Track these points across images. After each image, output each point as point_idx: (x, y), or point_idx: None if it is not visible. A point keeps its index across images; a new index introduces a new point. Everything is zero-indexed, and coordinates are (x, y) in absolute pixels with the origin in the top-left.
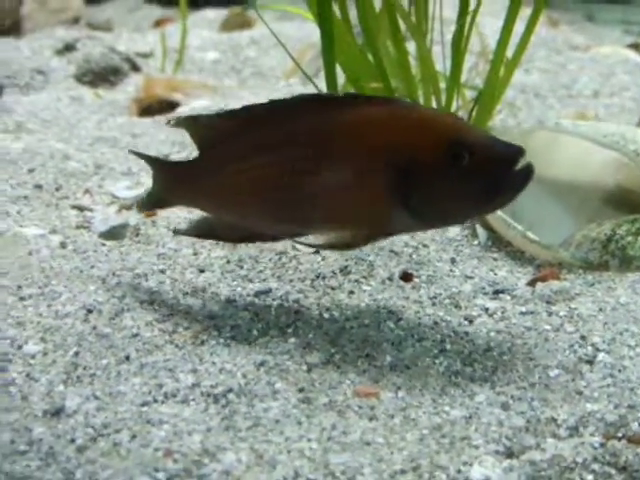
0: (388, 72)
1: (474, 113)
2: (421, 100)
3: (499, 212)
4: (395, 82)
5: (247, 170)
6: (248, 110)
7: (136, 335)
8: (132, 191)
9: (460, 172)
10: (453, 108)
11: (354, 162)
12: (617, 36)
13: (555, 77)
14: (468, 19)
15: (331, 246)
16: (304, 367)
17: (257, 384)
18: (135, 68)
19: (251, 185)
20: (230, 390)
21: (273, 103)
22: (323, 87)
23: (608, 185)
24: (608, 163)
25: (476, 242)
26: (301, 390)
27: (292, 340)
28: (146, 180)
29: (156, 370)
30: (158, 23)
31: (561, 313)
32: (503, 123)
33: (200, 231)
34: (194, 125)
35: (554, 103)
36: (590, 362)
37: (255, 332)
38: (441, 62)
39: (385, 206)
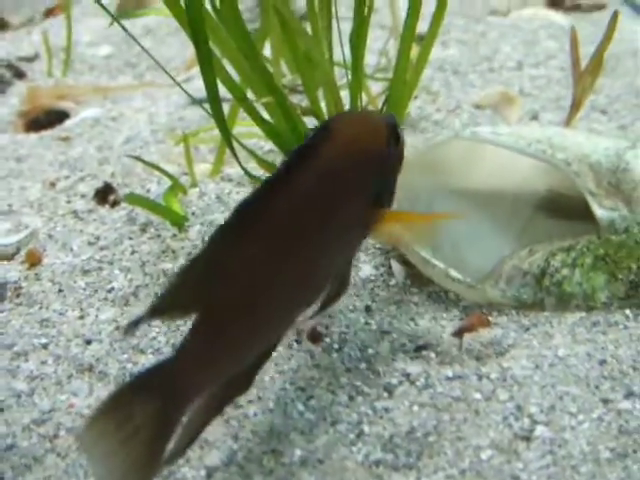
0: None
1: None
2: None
3: (416, 247)
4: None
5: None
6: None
7: (11, 447)
8: (13, 236)
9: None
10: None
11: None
12: None
13: (475, 49)
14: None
15: (329, 302)
16: (202, 472)
17: None
18: (19, 75)
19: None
20: None
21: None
22: None
23: (539, 190)
24: (537, 167)
25: (393, 281)
26: None
27: None
28: (32, 220)
29: None
30: (49, 12)
31: (492, 375)
32: (421, 112)
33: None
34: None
35: (475, 80)
36: (527, 438)
37: None
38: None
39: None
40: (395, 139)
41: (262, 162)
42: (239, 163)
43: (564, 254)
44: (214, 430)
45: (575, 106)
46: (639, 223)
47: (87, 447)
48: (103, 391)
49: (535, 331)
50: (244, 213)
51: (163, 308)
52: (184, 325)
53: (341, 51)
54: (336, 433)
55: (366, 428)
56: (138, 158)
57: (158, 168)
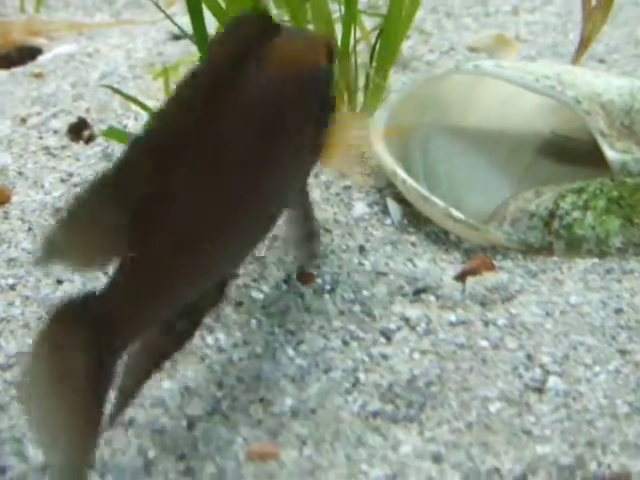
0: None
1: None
2: None
3: (413, 183)
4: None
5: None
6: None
7: None
8: None
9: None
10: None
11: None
12: None
13: None
14: None
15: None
16: (184, 423)
17: (125, 454)
18: None
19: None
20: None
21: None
22: None
23: (542, 131)
24: (541, 105)
25: (388, 221)
26: (181, 457)
27: (166, 383)
28: (1, 155)
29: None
30: None
31: (500, 322)
32: (413, 52)
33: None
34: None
35: (469, 23)
36: (539, 390)
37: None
38: None
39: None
40: (331, 59)
41: None
42: None
43: (574, 196)
44: (195, 376)
45: (584, 43)
46: None
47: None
48: None
49: (543, 277)
50: (171, 125)
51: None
52: None
53: None
54: (329, 381)
55: (362, 376)
56: (116, 89)
57: (137, 102)
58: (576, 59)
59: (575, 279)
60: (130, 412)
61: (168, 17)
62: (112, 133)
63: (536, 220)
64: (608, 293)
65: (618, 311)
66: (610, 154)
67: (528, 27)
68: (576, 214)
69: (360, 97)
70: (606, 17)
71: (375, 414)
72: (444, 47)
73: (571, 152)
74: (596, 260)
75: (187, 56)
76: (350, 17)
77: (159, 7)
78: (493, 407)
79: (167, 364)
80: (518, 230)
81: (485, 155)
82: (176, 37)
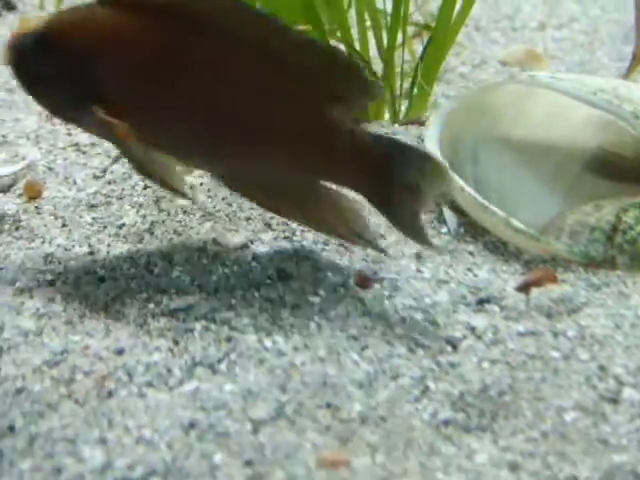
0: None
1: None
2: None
3: (471, 191)
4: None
5: None
6: None
7: (21, 391)
8: (9, 167)
9: None
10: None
11: None
12: None
13: (496, 6)
14: None
15: None
16: (248, 426)
17: (188, 458)
18: (9, 7)
19: None
20: (153, 472)
21: None
22: None
23: (589, 146)
24: (589, 120)
25: (444, 230)
26: (248, 463)
27: (228, 385)
28: (29, 152)
29: (51, 444)
30: None
31: (569, 333)
32: (445, 64)
33: None
34: None
35: (498, 37)
36: (614, 400)
37: (177, 372)
38: None
39: None
40: None
41: None
42: None
43: (637, 210)
44: (256, 380)
45: (637, 59)
46: None
47: None
48: (124, 335)
49: (608, 290)
50: None
51: None
52: (210, 262)
53: None
54: (398, 388)
55: (431, 384)
56: None
57: None
58: (628, 74)
59: None
60: (190, 408)
61: None
62: None
63: (597, 233)
64: None
65: None
66: None
67: (556, 43)
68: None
69: (400, 104)
70: None
71: (447, 422)
72: (475, 60)
73: (618, 169)
74: None
75: None
76: (397, 24)
77: None
78: (568, 417)
79: None
80: (578, 243)
81: (533, 168)
82: None
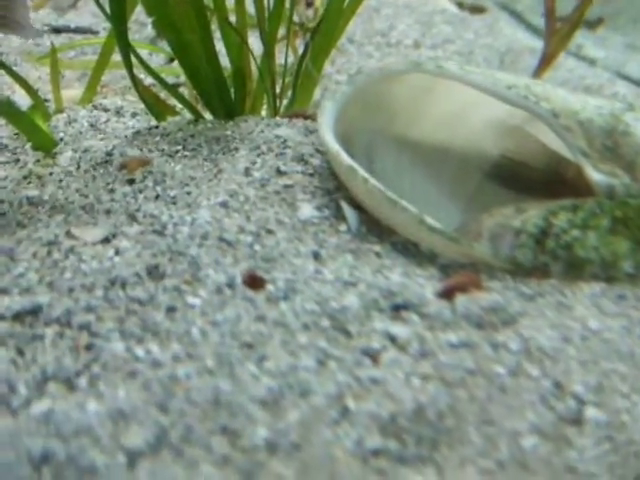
0: None
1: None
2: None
3: (376, 184)
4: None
5: None
6: None
7: None
8: None
9: None
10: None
11: None
12: None
13: (369, 22)
14: None
15: None
16: (121, 459)
17: None
18: None
19: None
20: None
21: None
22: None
23: (491, 153)
24: (490, 124)
25: (343, 227)
26: None
27: (91, 405)
28: None
29: None
30: None
31: (512, 345)
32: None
33: None
34: None
35: (372, 51)
36: (576, 421)
37: (23, 389)
38: None
39: None
40: None
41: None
42: (135, 86)
43: (568, 213)
44: (127, 397)
45: (547, 59)
46: None
47: None
48: None
49: (543, 301)
50: None
51: None
52: (63, 258)
53: None
54: (310, 408)
55: (351, 404)
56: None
57: (21, 80)
58: (537, 75)
59: (586, 304)
60: (39, 443)
61: None
62: (3, 109)
63: (524, 237)
64: (628, 319)
65: None
66: (596, 176)
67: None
68: (575, 233)
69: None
70: (573, 33)
71: (376, 452)
72: (352, 70)
73: (522, 180)
74: (604, 285)
75: (67, 43)
76: (280, 10)
77: None
78: (526, 442)
79: None
80: (502, 247)
81: (432, 172)
82: (56, 30)
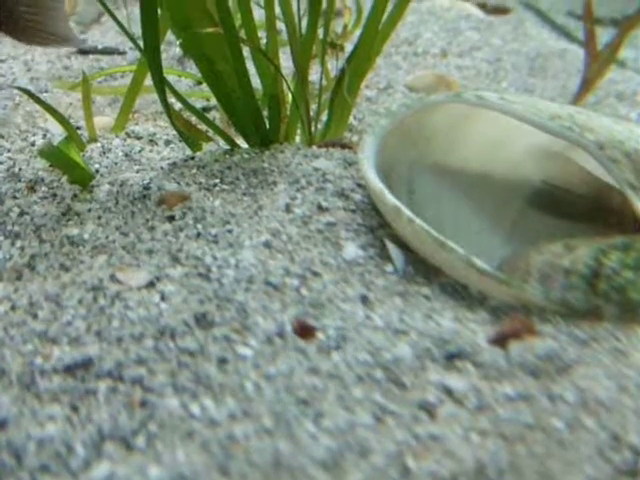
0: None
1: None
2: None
3: (422, 224)
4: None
5: None
6: None
7: None
8: None
9: None
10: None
11: None
12: None
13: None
14: None
15: None
16: None
17: None
18: None
19: None
20: None
21: None
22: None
23: (532, 180)
24: (531, 151)
25: (389, 267)
26: None
27: (153, 469)
28: None
29: None
30: None
31: (569, 397)
32: None
33: None
34: None
35: (400, 61)
36: (633, 474)
37: (80, 450)
38: None
39: None
40: None
41: (181, 118)
42: (170, 118)
43: (619, 253)
44: (188, 460)
45: (588, 84)
46: None
47: None
48: (5, 400)
49: (598, 346)
50: None
51: None
52: (110, 304)
53: None
54: (372, 469)
55: (411, 463)
56: (30, 93)
57: (54, 112)
58: (577, 102)
59: None
60: None
61: (118, 23)
62: (49, 154)
63: (575, 278)
64: None
65: None
66: None
67: (460, 71)
68: (628, 275)
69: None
70: (612, 60)
71: None
72: (381, 84)
73: (563, 206)
74: None
75: (98, 71)
76: (313, 31)
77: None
78: None
79: None
80: (553, 289)
81: (473, 198)
82: (83, 52)
